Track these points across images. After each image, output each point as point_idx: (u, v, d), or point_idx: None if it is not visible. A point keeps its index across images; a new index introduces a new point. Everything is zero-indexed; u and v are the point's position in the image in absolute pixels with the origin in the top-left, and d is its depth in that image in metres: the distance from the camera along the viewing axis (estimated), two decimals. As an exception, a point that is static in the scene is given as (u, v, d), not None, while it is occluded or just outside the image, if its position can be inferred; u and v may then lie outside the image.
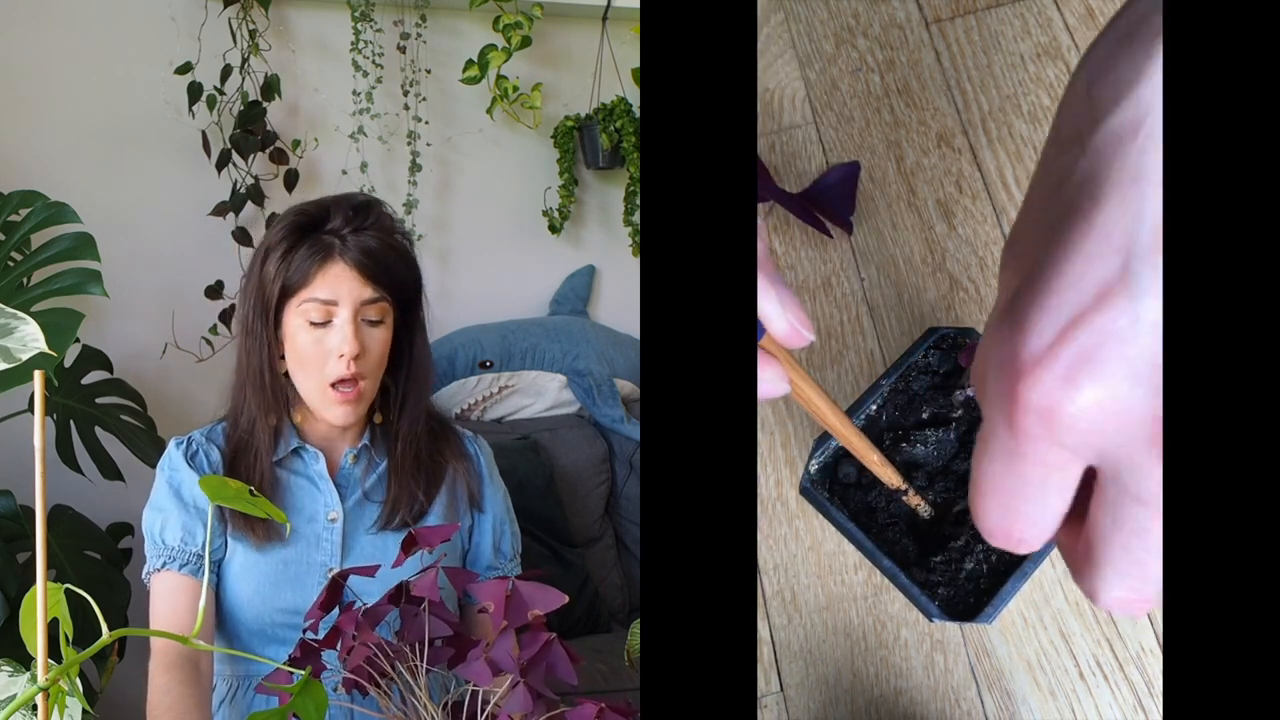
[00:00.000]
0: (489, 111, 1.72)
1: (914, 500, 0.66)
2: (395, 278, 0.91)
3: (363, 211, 0.91)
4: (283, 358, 0.92)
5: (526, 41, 1.64)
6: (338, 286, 0.88)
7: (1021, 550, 0.33)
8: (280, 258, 0.89)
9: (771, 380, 0.42)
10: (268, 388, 0.92)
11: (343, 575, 0.69)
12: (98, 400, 1.39)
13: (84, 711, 0.50)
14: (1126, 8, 0.29)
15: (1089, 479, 0.31)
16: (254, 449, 0.92)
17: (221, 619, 0.91)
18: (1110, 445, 0.28)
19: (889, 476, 0.61)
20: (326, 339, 0.88)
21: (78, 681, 0.52)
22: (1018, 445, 0.29)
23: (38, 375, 0.40)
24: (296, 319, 0.89)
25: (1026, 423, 0.28)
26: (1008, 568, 0.66)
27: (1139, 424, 0.27)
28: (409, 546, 0.67)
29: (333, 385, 0.89)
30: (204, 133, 1.53)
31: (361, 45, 1.60)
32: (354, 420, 0.91)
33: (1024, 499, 0.31)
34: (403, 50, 1.66)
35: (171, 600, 0.88)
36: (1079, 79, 0.30)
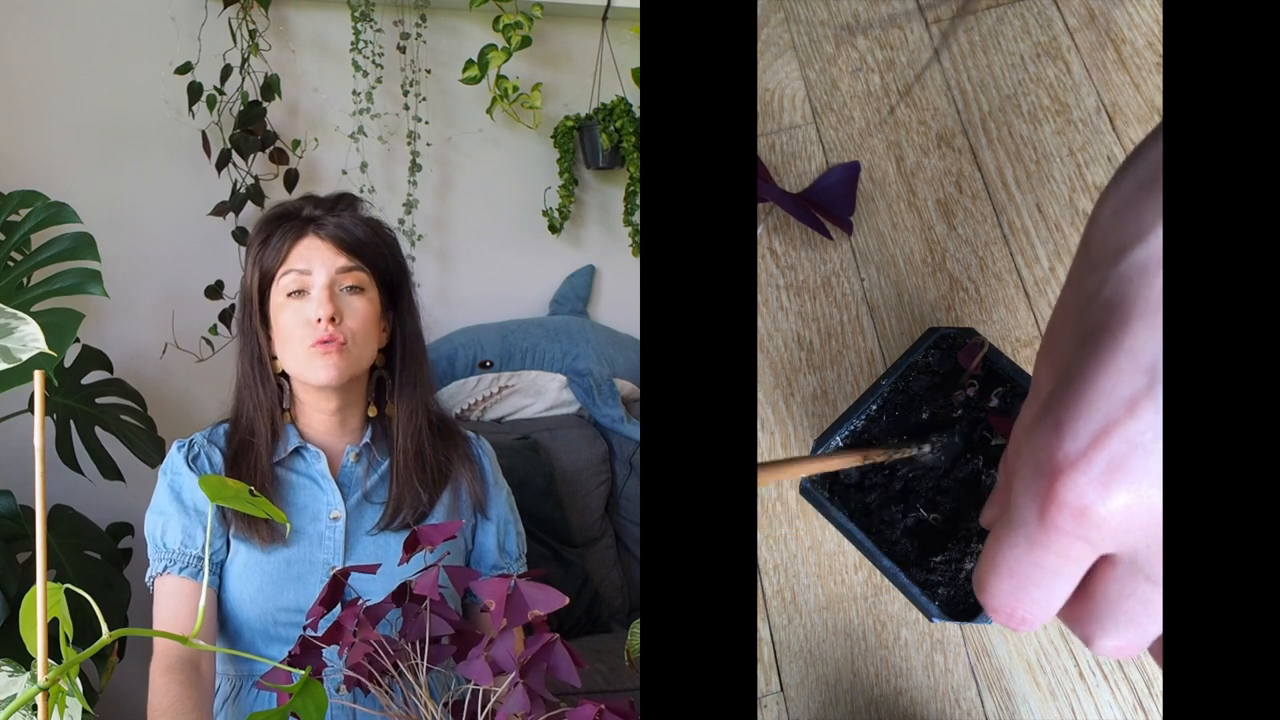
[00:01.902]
0: (489, 111, 1.72)
1: (883, 456, 0.66)
2: (372, 252, 0.94)
3: (336, 199, 0.95)
4: (275, 357, 0.93)
5: (526, 41, 1.64)
6: (311, 256, 0.91)
7: (1021, 629, 0.36)
8: (259, 246, 0.92)
9: None
10: (260, 385, 0.93)
11: (344, 573, 0.69)
12: (98, 400, 1.38)
13: (84, 711, 0.50)
14: (1144, 152, 0.32)
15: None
16: (255, 450, 0.92)
17: (224, 619, 0.91)
18: (1132, 539, 0.30)
19: (856, 460, 0.63)
20: (304, 309, 0.90)
21: (78, 681, 0.52)
22: (1045, 536, 0.32)
23: (38, 375, 0.41)
24: (278, 298, 0.91)
25: (1060, 519, 0.31)
26: (1008, 568, 0.66)
27: (1159, 522, 0.29)
28: (412, 546, 0.67)
29: (313, 345, 0.89)
30: (204, 133, 1.53)
31: (361, 45, 1.60)
32: (339, 377, 0.90)
33: (1035, 584, 0.34)
34: (403, 50, 1.66)
35: (173, 604, 0.88)
36: (1104, 209, 0.33)
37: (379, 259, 0.94)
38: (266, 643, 0.90)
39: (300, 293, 0.90)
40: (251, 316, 0.93)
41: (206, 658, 0.88)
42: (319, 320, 0.89)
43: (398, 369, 0.97)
